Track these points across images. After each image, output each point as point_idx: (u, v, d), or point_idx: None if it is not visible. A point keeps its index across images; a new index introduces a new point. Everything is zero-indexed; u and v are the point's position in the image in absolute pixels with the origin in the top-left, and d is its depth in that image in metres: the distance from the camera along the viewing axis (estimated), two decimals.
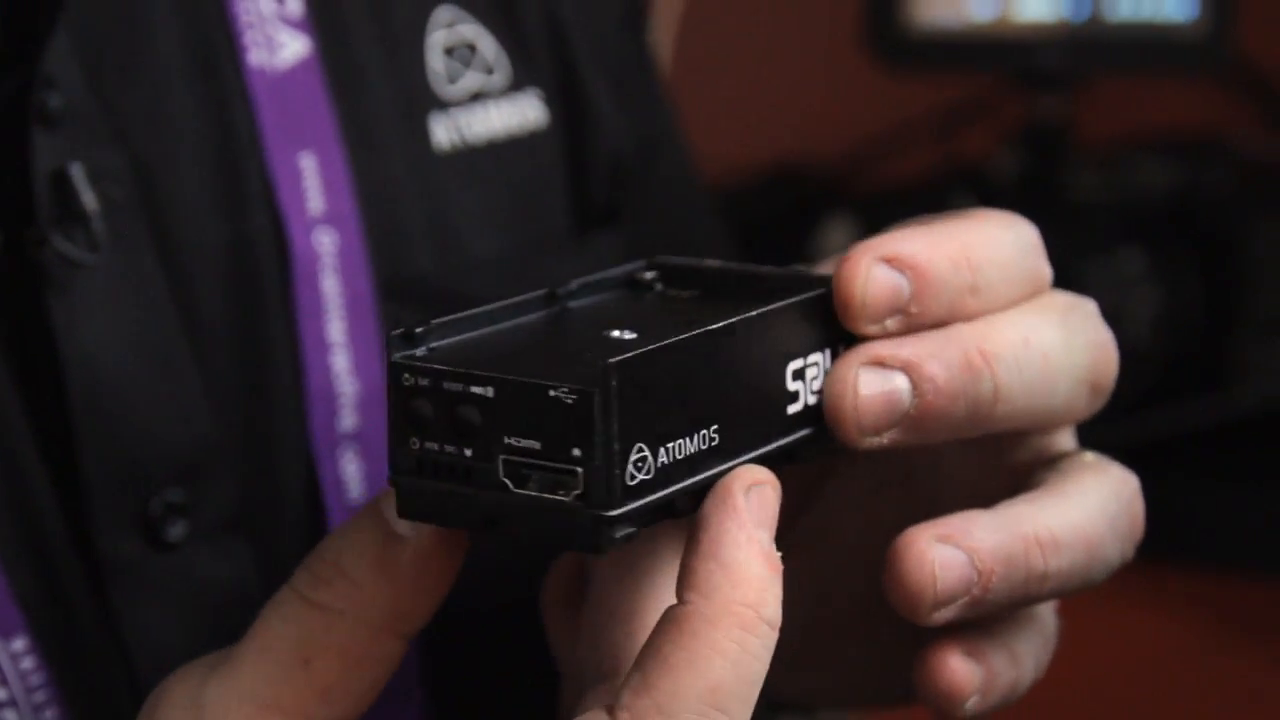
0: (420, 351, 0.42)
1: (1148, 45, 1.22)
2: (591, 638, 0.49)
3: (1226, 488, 1.19)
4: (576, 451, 0.40)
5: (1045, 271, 0.49)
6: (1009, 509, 0.47)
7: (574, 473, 0.40)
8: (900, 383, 0.46)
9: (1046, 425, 0.49)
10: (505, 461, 0.41)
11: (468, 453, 0.41)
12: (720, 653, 0.41)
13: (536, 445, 0.41)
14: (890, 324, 0.46)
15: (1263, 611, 1.12)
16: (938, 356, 0.46)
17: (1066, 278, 1.25)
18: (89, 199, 0.54)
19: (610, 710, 0.41)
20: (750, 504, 0.42)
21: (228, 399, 0.58)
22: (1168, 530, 1.17)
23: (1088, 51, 1.23)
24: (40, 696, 0.53)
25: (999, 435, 0.49)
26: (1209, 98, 1.32)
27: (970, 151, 1.30)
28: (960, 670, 0.48)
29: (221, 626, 0.56)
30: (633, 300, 0.48)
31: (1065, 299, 0.49)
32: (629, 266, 0.49)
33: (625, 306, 0.48)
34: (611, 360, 0.40)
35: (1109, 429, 1.21)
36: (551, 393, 0.40)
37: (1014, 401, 0.47)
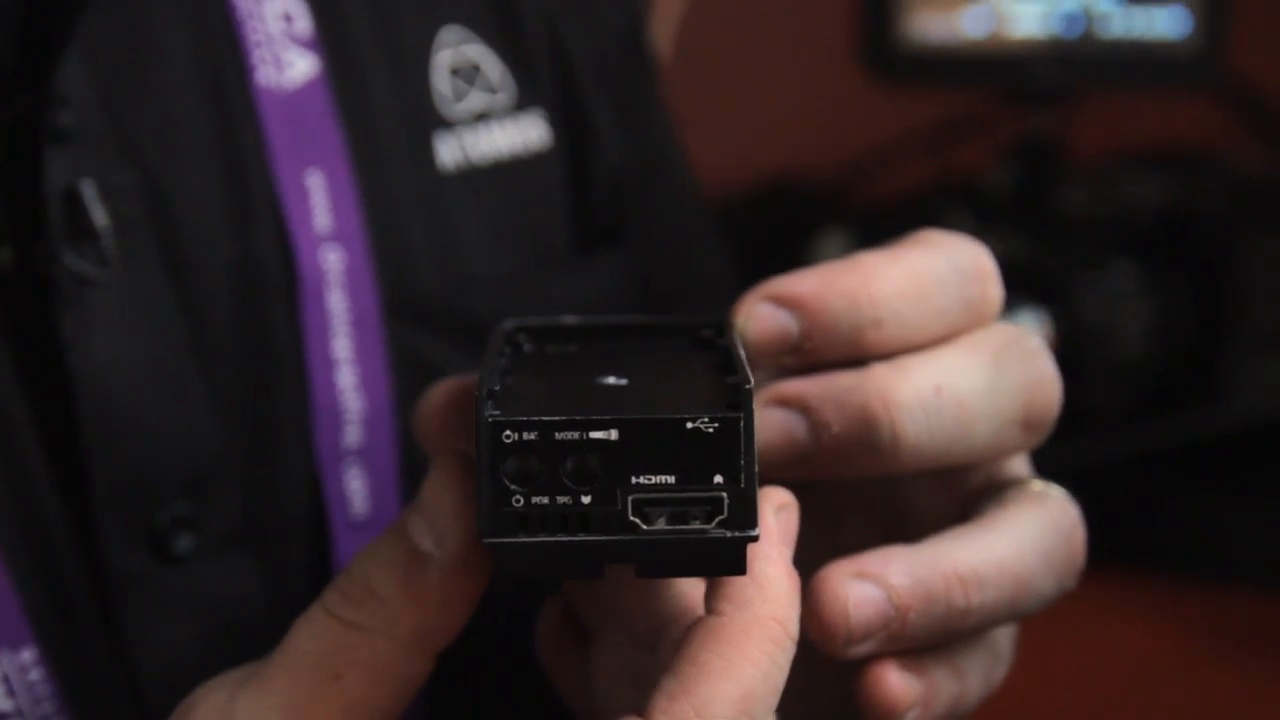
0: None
1: (1140, 62, 1.23)
2: (613, 667, 0.50)
3: (1218, 500, 1.20)
4: (718, 479, 0.41)
5: (989, 297, 0.48)
6: (932, 544, 0.47)
7: (717, 499, 0.41)
8: (798, 423, 0.47)
9: (971, 464, 0.49)
10: (634, 501, 0.41)
11: (585, 500, 0.41)
12: (753, 662, 0.43)
13: (670, 479, 0.41)
14: (788, 361, 0.47)
15: (1255, 624, 1.12)
16: (836, 401, 0.46)
17: (1058, 292, 1.25)
18: (99, 216, 0.55)
19: (642, 715, 0.42)
20: (779, 523, 0.44)
21: (234, 414, 0.58)
22: (1160, 543, 1.18)
23: (1081, 68, 1.24)
24: (47, 708, 0.53)
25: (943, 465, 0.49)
26: (1201, 114, 1.33)
27: (964, 166, 1.31)
28: (897, 684, 0.48)
29: (227, 639, 0.56)
30: (540, 358, 0.49)
31: (1002, 335, 0.49)
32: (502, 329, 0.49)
33: (553, 361, 0.48)
34: (747, 386, 0.41)
35: (1101, 442, 1.22)
36: (689, 425, 0.41)
37: (921, 448, 0.47)
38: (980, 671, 0.50)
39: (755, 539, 0.42)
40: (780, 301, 0.47)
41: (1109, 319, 1.16)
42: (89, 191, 0.55)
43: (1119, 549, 1.15)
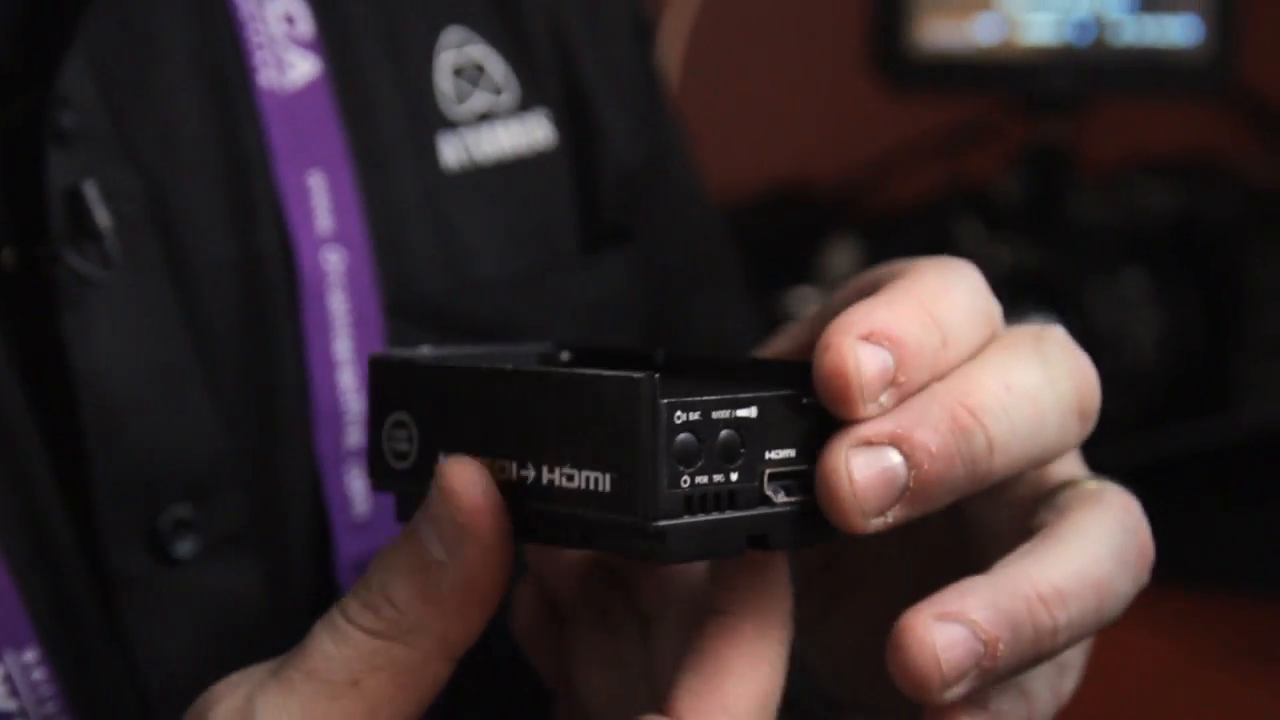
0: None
1: (1152, 70, 1.23)
2: (588, 649, 0.50)
3: (1228, 510, 1.19)
4: (820, 452, 0.44)
5: (996, 309, 0.48)
6: (1007, 569, 0.46)
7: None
8: (893, 458, 0.44)
9: (1043, 463, 0.48)
10: (769, 475, 0.43)
11: (734, 477, 0.43)
12: (769, 661, 0.44)
13: (793, 453, 0.44)
14: (885, 400, 0.44)
15: (1265, 634, 1.12)
16: (924, 423, 0.44)
17: (1069, 299, 1.25)
18: (102, 217, 0.55)
19: (667, 713, 0.43)
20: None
21: (236, 415, 0.58)
22: (1169, 552, 1.17)
23: (1092, 75, 1.24)
24: (51, 708, 0.53)
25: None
26: (1212, 122, 1.33)
27: (975, 173, 1.31)
28: None
29: (229, 640, 0.56)
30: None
31: (1033, 331, 0.48)
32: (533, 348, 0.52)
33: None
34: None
35: (1111, 451, 1.21)
36: (805, 400, 0.44)
37: (1009, 450, 0.46)
38: (1047, 688, 0.49)
39: None
40: (873, 339, 0.44)
41: (1120, 326, 1.15)
42: (91, 192, 0.55)
43: None
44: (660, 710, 0.43)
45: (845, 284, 0.51)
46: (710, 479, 0.42)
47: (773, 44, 1.46)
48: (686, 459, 0.42)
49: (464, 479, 0.44)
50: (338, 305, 0.60)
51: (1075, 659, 0.51)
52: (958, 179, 1.31)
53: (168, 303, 0.57)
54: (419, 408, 0.46)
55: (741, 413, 0.43)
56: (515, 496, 0.44)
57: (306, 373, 0.59)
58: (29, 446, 0.54)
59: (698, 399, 0.42)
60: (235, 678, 0.46)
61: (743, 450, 0.43)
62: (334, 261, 0.60)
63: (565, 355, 0.52)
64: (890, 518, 0.44)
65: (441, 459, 0.44)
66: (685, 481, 0.42)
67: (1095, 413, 0.48)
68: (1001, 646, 0.45)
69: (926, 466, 0.44)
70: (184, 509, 0.56)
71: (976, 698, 0.46)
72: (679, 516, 0.42)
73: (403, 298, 0.62)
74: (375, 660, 0.44)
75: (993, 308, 0.48)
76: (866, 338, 0.44)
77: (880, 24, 1.25)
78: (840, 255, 1.27)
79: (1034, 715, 0.48)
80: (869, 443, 0.44)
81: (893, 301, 0.45)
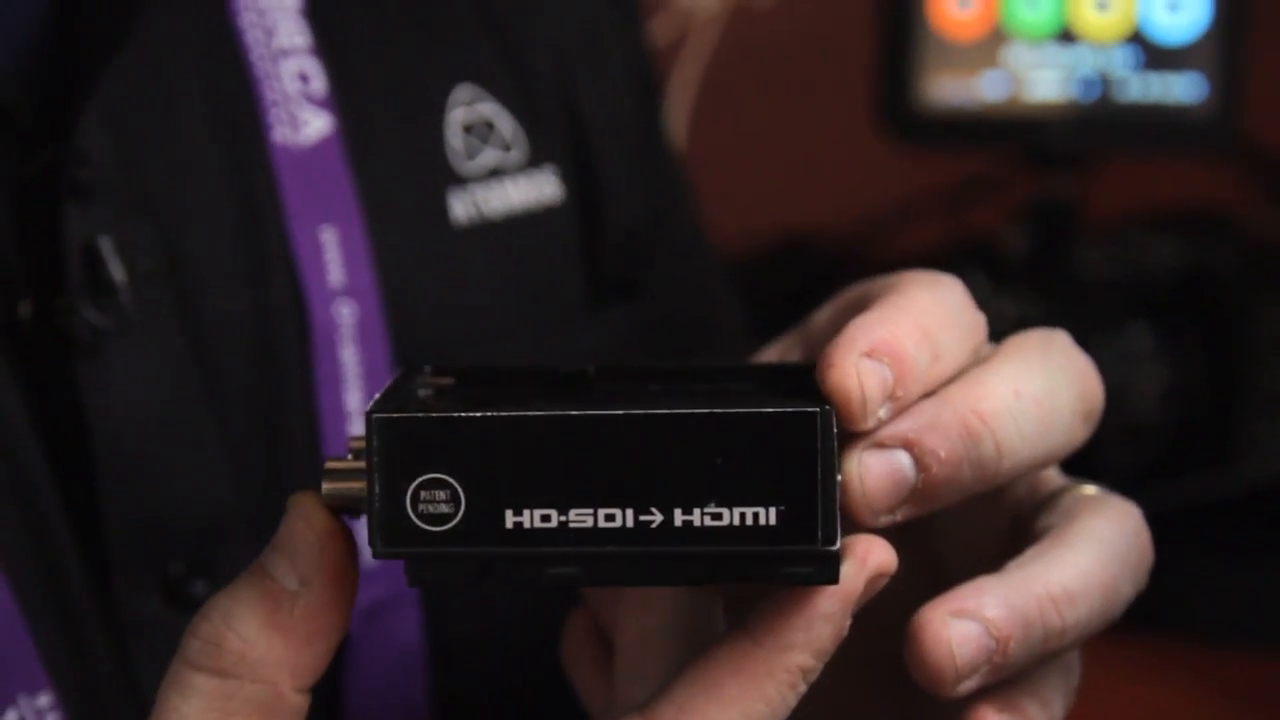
0: None
1: (1157, 125, 1.23)
2: (633, 677, 0.50)
3: (1232, 562, 1.19)
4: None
5: (981, 321, 0.49)
6: (1019, 570, 0.48)
7: None
8: (903, 460, 0.46)
9: (1048, 464, 0.50)
10: None
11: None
12: (766, 699, 0.43)
13: None
14: (883, 413, 0.46)
15: (1269, 686, 1.12)
16: (935, 428, 0.46)
17: None
18: (117, 270, 0.56)
19: (644, 714, 0.43)
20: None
21: (248, 465, 0.59)
22: (1173, 604, 1.17)
23: (1098, 131, 1.24)
24: None
25: None
26: (1217, 177, 1.33)
27: (980, 227, 1.31)
28: None
29: None
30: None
31: (1037, 337, 0.50)
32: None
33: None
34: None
35: None
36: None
37: (1017, 454, 0.47)
38: (1061, 693, 0.51)
39: None
40: (874, 354, 0.46)
41: (1124, 380, 1.16)
42: (106, 247, 0.56)
43: (1131, 610, 1.15)
44: (640, 711, 0.43)
45: (834, 298, 0.52)
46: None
47: (781, 98, 1.47)
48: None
49: (317, 504, 0.44)
50: (349, 357, 0.61)
51: (1076, 658, 0.52)
52: (963, 233, 1.31)
53: (181, 354, 0.57)
54: (465, 466, 0.43)
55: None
56: (625, 542, 0.42)
57: (317, 424, 0.60)
58: (44, 494, 0.55)
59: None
60: None
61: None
62: (345, 314, 0.61)
63: (591, 370, 0.50)
64: (898, 515, 0.46)
65: (509, 516, 0.42)
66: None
67: (1099, 412, 0.50)
68: (1013, 644, 0.47)
69: (935, 470, 0.46)
70: (196, 556, 0.57)
71: (1008, 704, 0.48)
72: (838, 540, 0.43)
73: (412, 350, 0.62)
74: (229, 705, 0.43)
75: (978, 320, 0.49)
76: (868, 354, 0.45)
77: (887, 79, 1.25)
78: None
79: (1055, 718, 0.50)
80: (880, 444, 0.46)
81: (889, 319, 0.46)
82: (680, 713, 0.43)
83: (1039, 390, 0.48)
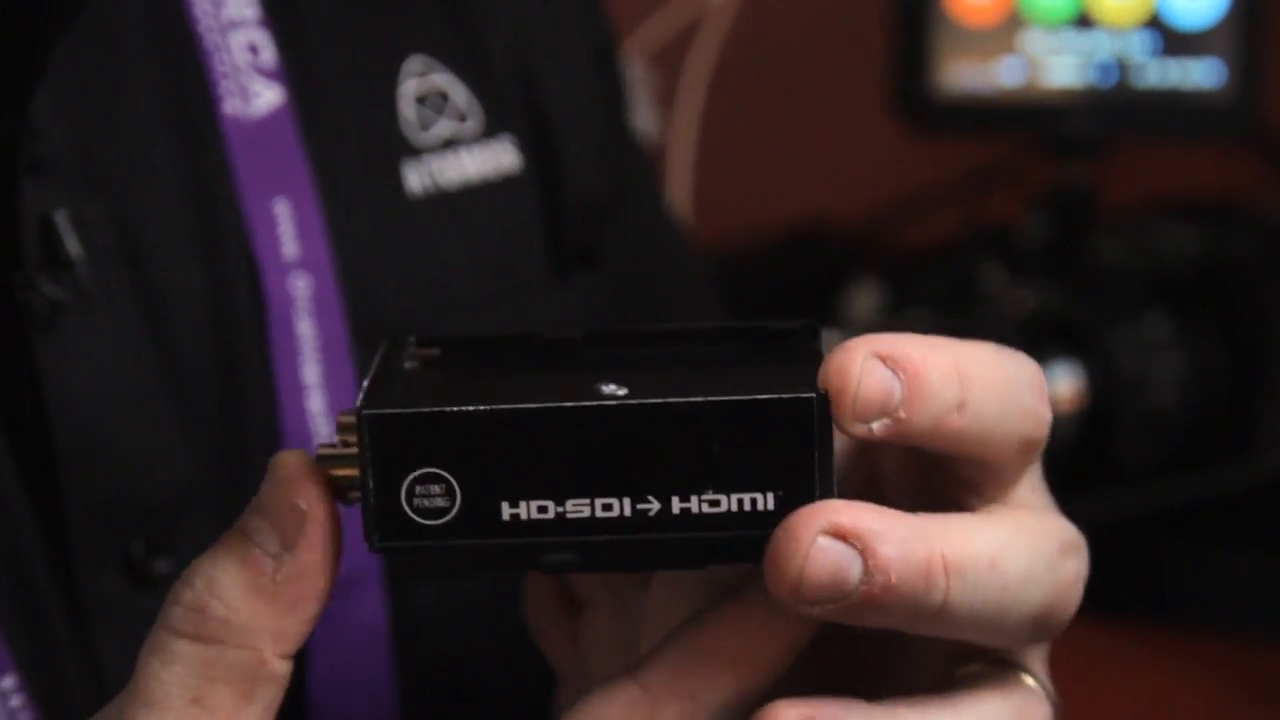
0: None
1: (1175, 112, 1.22)
2: (603, 635, 0.50)
3: (1251, 554, 1.19)
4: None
5: (1044, 415, 0.46)
6: (890, 711, 0.45)
7: None
8: (854, 566, 0.42)
9: (977, 648, 0.47)
10: None
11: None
12: (760, 664, 0.43)
13: None
14: (876, 426, 0.43)
15: None
16: (900, 549, 0.42)
17: (1091, 342, 1.25)
18: (73, 245, 0.56)
19: (639, 681, 0.43)
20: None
21: (206, 440, 0.59)
22: (1192, 596, 1.17)
23: (1115, 118, 1.24)
24: None
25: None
26: (1235, 164, 1.33)
27: (997, 215, 1.31)
28: None
29: None
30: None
31: (1055, 528, 0.46)
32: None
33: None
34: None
35: (1133, 494, 1.21)
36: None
37: (955, 620, 0.44)
38: None
39: None
40: (888, 361, 0.43)
41: (1142, 370, 1.15)
42: (62, 221, 0.56)
43: (1149, 602, 1.15)
44: (630, 673, 0.43)
45: None
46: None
47: (795, 85, 1.47)
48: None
49: (301, 466, 0.43)
50: (305, 330, 0.61)
51: (1035, 684, 0.48)
52: (980, 221, 1.31)
53: (139, 330, 0.58)
54: (460, 460, 0.42)
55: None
56: (622, 530, 0.42)
57: (275, 397, 0.60)
58: (3, 474, 0.55)
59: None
60: None
61: None
62: (301, 287, 0.61)
63: (579, 335, 0.48)
64: (816, 611, 0.42)
65: (505, 508, 0.42)
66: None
67: (1058, 630, 0.47)
68: None
69: (876, 591, 0.42)
70: (156, 533, 0.57)
71: None
72: None
73: (369, 322, 0.62)
74: (211, 671, 0.42)
75: (1039, 413, 0.45)
76: (883, 357, 0.43)
77: (903, 66, 1.25)
78: (861, 296, 1.27)
79: None
80: (841, 534, 0.42)
81: (929, 343, 0.44)
82: (676, 675, 0.42)
83: (1014, 575, 0.44)
